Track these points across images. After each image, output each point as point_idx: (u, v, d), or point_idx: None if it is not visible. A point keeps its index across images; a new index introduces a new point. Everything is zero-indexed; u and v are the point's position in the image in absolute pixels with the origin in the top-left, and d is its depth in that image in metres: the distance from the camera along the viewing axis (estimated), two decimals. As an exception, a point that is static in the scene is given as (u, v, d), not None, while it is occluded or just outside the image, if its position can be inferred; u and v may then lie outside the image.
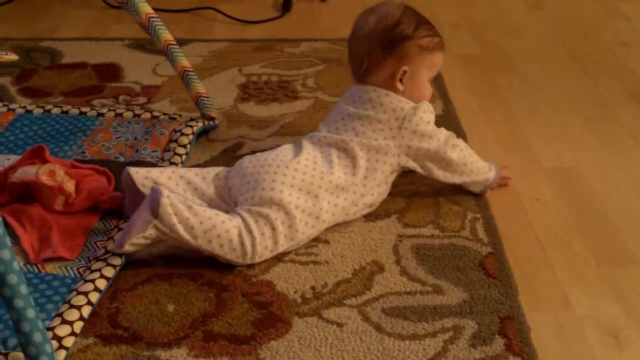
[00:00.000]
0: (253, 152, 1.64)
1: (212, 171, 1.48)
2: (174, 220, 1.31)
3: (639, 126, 1.85)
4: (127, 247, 1.33)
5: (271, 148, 1.52)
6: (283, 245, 1.37)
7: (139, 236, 1.31)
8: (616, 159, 1.71)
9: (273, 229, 1.35)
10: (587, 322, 1.26)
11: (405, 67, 1.48)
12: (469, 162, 1.51)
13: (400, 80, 1.49)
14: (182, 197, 1.38)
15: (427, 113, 1.49)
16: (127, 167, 1.42)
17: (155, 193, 1.32)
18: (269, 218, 1.35)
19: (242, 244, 1.33)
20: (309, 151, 1.45)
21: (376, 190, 1.48)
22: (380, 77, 1.50)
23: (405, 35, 1.48)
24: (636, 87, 2.04)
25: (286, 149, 1.48)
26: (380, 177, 1.47)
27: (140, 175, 1.41)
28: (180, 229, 1.31)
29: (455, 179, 1.52)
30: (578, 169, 1.67)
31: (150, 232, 1.31)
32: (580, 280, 1.35)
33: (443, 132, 1.51)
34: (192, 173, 1.46)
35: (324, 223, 1.42)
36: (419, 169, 1.51)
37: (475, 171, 1.52)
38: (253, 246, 1.34)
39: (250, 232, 1.34)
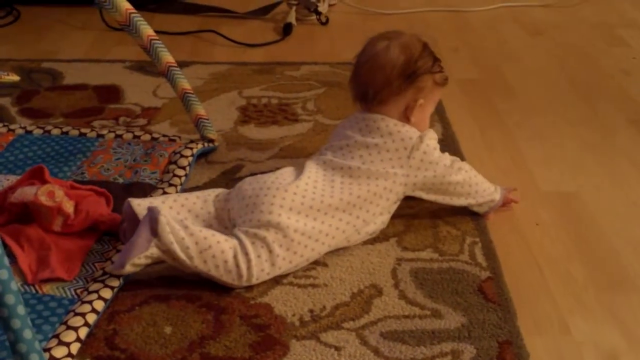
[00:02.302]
0: (253, 174, 1.63)
1: (213, 193, 1.48)
2: (171, 239, 1.30)
3: (638, 152, 1.85)
4: (129, 268, 1.32)
5: (271, 170, 1.52)
6: (281, 268, 1.37)
7: (140, 256, 1.31)
8: (616, 184, 1.71)
9: (270, 251, 1.34)
10: (586, 348, 1.25)
11: (421, 100, 1.49)
12: (474, 184, 1.52)
13: (413, 113, 1.50)
14: (178, 217, 1.38)
15: (432, 140, 1.50)
16: (129, 200, 1.41)
17: (153, 212, 1.32)
18: (266, 240, 1.34)
19: (238, 265, 1.32)
20: (310, 174, 1.45)
21: (379, 219, 1.48)
22: (395, 107, 1.49)
23: (426, 69, 1.48)
24: (635, 113, 2.04)
25: (287, 172, 1.47)
26: (384, 204, 1.47)
27: (141, 208, 1.39)
28: (177, 248, 1.30)
29: (462, 201, 1.53)
30: (578, 194, 1.67)
31: (152, 250, 1.31)
32: (579, 306, 1.34)
33: (448, 157, 1.52)
34: (192, 200, 1.45)
35: (324, 246, 1.41)
36: (424, 196, 1.52)
37: (480, 192, 1.53)
38: (248, 268, 1.33)
39: (246, 253, 1.33)
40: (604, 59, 2.40)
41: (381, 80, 1.48)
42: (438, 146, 1.51)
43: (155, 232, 1.30)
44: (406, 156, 1.47)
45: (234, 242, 1.34)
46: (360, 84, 1.53)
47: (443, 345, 1.24)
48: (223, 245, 1.33)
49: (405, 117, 1.50)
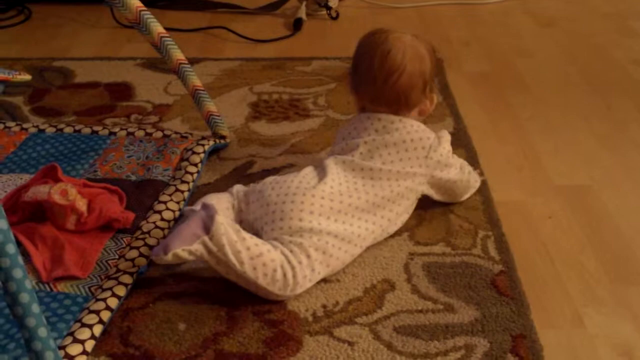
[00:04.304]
0: (266, 171, 1.64)
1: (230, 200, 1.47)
2: (224, 240, 1.27)
3: (651, 143, 1.84)
4: (169, 257, 1.26)
5: (283, 167, 1.51)
6: (320, 273, 1.35)
7: (184, 248, 1.26)
8: (629, 176, 1.71)
9: (308, 256, 1.32)
10: (600, 341, 1.25)
11: (433, 95, 1.53)
12: (473, 181, 1.59)
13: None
14: (230, 220, 1.36)
15: (448, 143, 1.51)
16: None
17: (210, 210, 1.30)
18: (302, 246, 1.32)
19: (285, 275, 1.30)
20: (334, 176, 1.43)
21: (399, 219, 1.48)
22: (415, 109, 1.51)
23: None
24: (648, 104, 2.04)
25: (309, 174, 1.45)
26: (406, 204, 1.47)
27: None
28: (228, 251, 1.27)
29: (464, 198, 1.59)
30: (590, 187, 1.66)
31: (197, 247, 1.26)
32: (593, 299, 1.34)
33: (458, 160, 1.54)
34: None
35: (356, 247, 1.40)
36: (436, 197, 1.53)
37: (471, 189, 1.60)
38: (294, 276, 1.31)
39: (289, 262, 1.31)
40: (616, 50, 2.39)
41: (421, 86, 1.48)
42: (451, 149, 1.52)
43: (208, 229, 1.27)
44: (424, 156, 1.47)
45: (279, 251, 1.32)
46: (394, 90, 1.47)
47: (456, 339, 1.24)
48: (273, 253, 1.30)
49: (418, 117, 1.53)
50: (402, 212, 1.47)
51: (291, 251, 1.32)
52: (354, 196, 1.41)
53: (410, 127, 1.48)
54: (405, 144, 1.46)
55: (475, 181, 1.60)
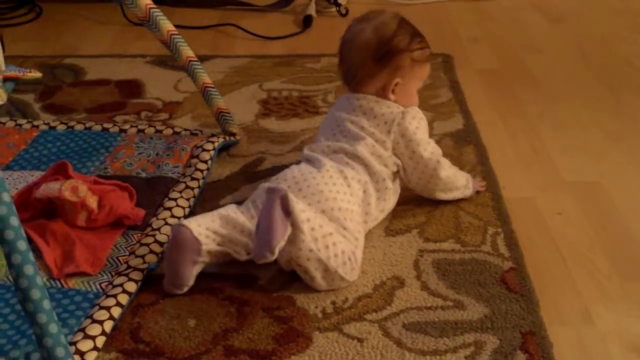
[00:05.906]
0: (275, 168, 1.65)
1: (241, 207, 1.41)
2: (303, 217, 1.25)
3: (661, 140, 1.84)
4: (277, 252, 1.23)
5: (292, 164, 1.50)
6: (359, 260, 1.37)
7: (285, 238, 1.24)
8: (638, 172, 1.70)
9: (356, 239, 1.35)
10: (610, 338, 1.24)
11: (398, 79, 1.49)
12: (451, 183, 1.53)
13: (392, 91, 1.50)
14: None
15: (416, 119, 1.50)
16: (182, 224, 1.32)
17: (281, 191, 1.24)
18: (349, 230, 1.35)
19: (350, 259, 1.32)
20: (326, 161, 1.44)
21: (391, 199, 1.49)
22: (373, 87, 1.50)
23: (400, 48, 1.47)
24: (658, 100, 2.03)
25: (303, 167, 1.45)
26: (382, 184, 1.46)
27: (195, 225, 1.32)
28: (306, 227, 1.26)
29: (438, 196, 1.55)
30: (600, 183, 1.66)
31: (289, 230, 1.24)
32: (603, 296, 1.34)
33: (431, 144, 1.51)
34: (232, 213, 1.37)
35: (361, 235, 1.40)
36: (405, 179, 1.52)
37: (454, 191, 1.55)
38: (356, 261, 1.33)
39: (349, 242, 1.33)
40: (625, 46, 2.38)
41: (357, 62, 1.49)
42: (423, 126, 1.51)
43: (287, 211, 1.24)
44: (386, 130, 1.48)
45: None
46: (341, 65, 1.54)
47: (466, 336, 1.24)
48: (335, 235, 1.31)
49: (385, 96, 1.50)
50: (385, 188, 1.46)
51: (345, 237, 1.33)
52: (355, 177, 1.42)
53: (375, 103, 1.49)
54: (369, 121, 1.48)
55: (464, 187, 1.55)
